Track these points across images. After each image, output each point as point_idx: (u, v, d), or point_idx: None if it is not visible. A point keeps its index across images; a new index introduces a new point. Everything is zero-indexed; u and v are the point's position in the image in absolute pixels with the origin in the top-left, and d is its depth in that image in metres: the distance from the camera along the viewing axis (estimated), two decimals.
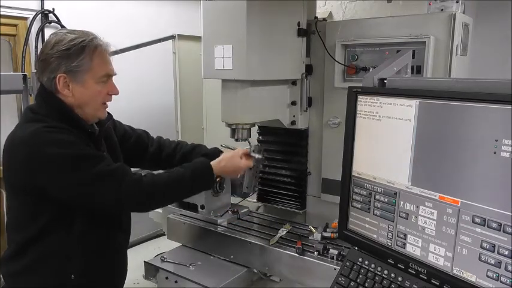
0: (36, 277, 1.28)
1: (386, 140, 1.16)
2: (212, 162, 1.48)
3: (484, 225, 0.94)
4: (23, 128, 1.26)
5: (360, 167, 1.24)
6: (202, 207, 1.84)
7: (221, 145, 1.77)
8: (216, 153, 1.68)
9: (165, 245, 1.85)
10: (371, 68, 1.61)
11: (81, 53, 1.25)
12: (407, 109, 1.09)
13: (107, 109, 1.40)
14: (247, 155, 1.61)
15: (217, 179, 1.76)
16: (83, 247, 1.32)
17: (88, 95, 1.29)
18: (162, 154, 1.67)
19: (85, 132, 1.32)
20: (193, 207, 1.86)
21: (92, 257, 1.35)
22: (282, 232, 1.63)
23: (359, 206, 1.25)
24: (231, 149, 1.71)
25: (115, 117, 1.51)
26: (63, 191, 1.24)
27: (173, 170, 1.41)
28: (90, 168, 1.23)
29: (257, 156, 1.63)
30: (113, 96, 1.38)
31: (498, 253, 0.92)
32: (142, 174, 1.35)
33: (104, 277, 1.40)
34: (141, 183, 1.30)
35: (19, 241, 1.30)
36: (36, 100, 1.35)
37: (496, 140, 0.91)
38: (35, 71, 1.38)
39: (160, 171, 1.51)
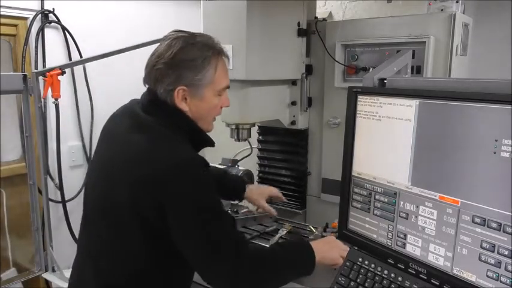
0: None
1: (386, 140, 1.16)
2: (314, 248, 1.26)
3: (484, 225, 0.94)
4: (162, 145, 1.10)
5: (360, 167, 1.24)
6: None
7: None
8: (242, 186, 1.63)
9: None
10: (371, 68, 1.61)
11: (207, 64, 1.14)
12: (407, 109, 1.09)
13: None
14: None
15: None
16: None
17: (204, 109, 1.19)
18: None
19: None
20: None
21: None
22: (282, 232, 1.63)
23: (359, 206, 1.25)
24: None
25: None
26: (179, 239, 1.09)
27: (281, 253, 1.22)
28: (216, 228, 1.08)
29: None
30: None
31: (498, 253, 0.92)
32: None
33: None
34: (262, 262, 1.14)
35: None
36: (154, 112, 1.17)
37: (496, 140, 0.91)
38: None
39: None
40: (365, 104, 1.20)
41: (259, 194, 1.68)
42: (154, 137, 1.12)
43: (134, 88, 1.35)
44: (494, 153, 0.91)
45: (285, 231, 1.63)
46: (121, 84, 2.57)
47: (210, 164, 1.55)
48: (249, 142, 1.80)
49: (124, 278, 1.17)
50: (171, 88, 1.14)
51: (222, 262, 1.09)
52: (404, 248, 1.13)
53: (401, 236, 1.13)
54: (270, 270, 1.17)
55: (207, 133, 1.29)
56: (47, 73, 1.83)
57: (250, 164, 2.01)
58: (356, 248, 1.26)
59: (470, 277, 0.98)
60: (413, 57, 1.54)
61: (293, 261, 1.23)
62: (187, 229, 1.08)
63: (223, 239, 1.10)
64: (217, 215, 1.11)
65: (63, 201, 2.30)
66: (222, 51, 1.20)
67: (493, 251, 0.93)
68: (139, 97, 1.30)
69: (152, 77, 1.17)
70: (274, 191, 1.73)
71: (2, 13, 2.23)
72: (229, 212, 1.83)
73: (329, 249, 1.30)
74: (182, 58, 1.12)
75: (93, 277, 1.20)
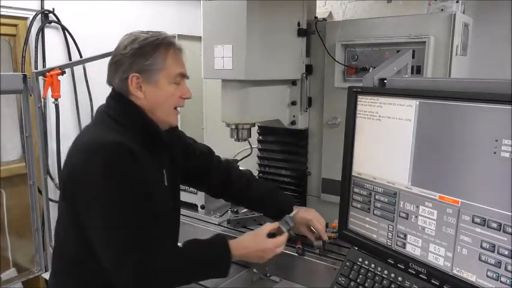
0: None
1: (386, 140, 1.16)
2: (232, 246, 1.23)
3: (484, 225, 0.94)
4: (101, 133, 1.14)
5: (360, 167, 1.24)
6: (202, 207, 1.85)
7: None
8: (290, 206, 1.49)
9: None
10: (371, 68, 1.61)
11: (155, 50, 1.19)
12: (407, 109, 1.09)
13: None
14: (277, 229, 1.33)
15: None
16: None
17: (161, 97, 1.21)
18: (232, 187, 1.55)
19: (157, 144, 1.23)
20: (193, 207, 1.86)
21: None
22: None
23: (359, 206, 1.25)
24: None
25: None
26: (89, 228, 1.10)
27: (185, 255, 1.20)
28: (127, 228, 1.07)
29: (287, 227, 1.35)
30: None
31: (498, 253, 0.92)
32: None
33: None
34: (171, 262, 1.13)
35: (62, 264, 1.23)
36: (110, 104, 1.23)
37: (496, 140, 0.91)
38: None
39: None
40: (365, 104, 1.20)
41: (299, 221, 1.46)
42: (94, 126, 1.21)
43: None
44: (494, 153, 0.91)
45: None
46: None
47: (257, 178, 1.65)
48: (249, 142, 1.79)
49: (67, 272, 1.22)
50: (125, 76, 1.18)
51: (124, 262, 1.07)
52: (404, 248, 1.13)
53: (402, 236, 1.13)
54: (177, 271, 1.15)
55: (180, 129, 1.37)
56: (47, 73, 1.83)
57: (250, 164, 2.01)
58: (356, 248, 1.26)
59: (470, 277, 0.98)
60: (413, 57, 1.54)
61: (205, 263, 1.20)
62: (91, 221, 1.09)
63: (127, 236, 1.07)
64: (126, 208, 1.08)
65: None
66: (173, 43, 1.24)
67: (493, 251, 0.93)
68: None
69: (110, 72, 1.23)
70: (314, 219, 1.46)
71: (2, 13, 2.23)
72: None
73: (253, 252, 1.27)
74: (132, 47, 1.18)
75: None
